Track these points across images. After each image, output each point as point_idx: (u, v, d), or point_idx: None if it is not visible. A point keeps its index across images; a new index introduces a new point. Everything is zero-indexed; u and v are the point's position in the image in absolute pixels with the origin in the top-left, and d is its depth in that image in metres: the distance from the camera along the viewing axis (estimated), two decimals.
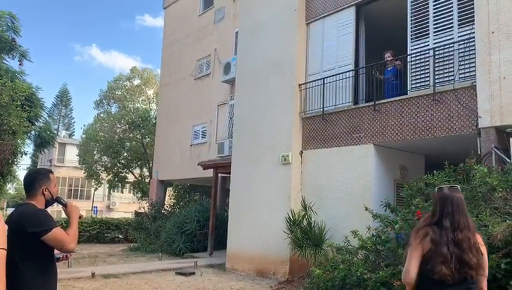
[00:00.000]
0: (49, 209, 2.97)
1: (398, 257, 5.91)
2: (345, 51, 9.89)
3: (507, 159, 6.60)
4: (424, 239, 2.56)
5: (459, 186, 2.76)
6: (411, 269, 2.57)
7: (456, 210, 2.57)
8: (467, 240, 2.50)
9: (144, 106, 29.87)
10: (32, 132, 10.80)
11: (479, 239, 2.67)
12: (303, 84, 10.49)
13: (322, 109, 9.92)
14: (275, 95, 10.79)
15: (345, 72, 9.67)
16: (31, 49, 11.90)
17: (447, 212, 2.57)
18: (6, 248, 1.85)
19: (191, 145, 17.46)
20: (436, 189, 2.79)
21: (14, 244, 2.64)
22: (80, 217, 2.95)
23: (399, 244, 6.16)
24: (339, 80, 9.74)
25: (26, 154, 10.25)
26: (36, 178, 2.91)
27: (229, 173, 12.04)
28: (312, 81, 10.34)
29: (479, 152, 7.02)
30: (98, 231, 20.74)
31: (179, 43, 19.28)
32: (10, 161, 8.85)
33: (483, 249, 2.65)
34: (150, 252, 15.03)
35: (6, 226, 1.93)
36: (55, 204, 3.03)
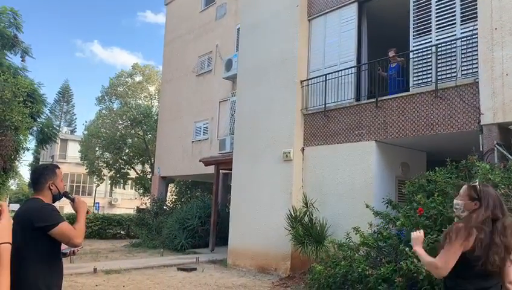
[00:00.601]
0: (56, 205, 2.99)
1: (400, 254, 5.92)
2: (347, 48, 9.87)
3: (509, 156, 6.59)
4: (469, 238, 2.61)
5: (485, 183, 2.95)
6: (450, 265, 2.62)
7: (500, 202, 2.73)
8: (509, 226, 2.65)
9: (145, 103, 29.90)
10: (34, 128, 10.83)
11: None
12: (305, 80, 10.48)
13: (324, 106, 9.91)
14: (276, 92, 10.78)
15: (347, 68, 9.65)
16: (33, 46, 11.96)
17: (495, 205, 2.69)
18: (11, 242, 1.86)
19: (193, 141, 17.47)
20: (472, 185, 2.83)
21: (22, 238, 2.65)
22: (88, 212, 2.98)
23: (400, 240, 6.18)
24: (341, 76, 9.73)
25: (28, 150, 10.28)
26: (43, 173, 2.93)
27: (231, 170, 12.05)
28: (314, 78, 10.33)
29: (481, 149, 7.01)
30: (100, 227, 20.80)
31: (180, 39, 19.26)
32: (12, 157, 8.88)
33: None
34: (152, 248, 15.08)
35: (12, 221, 1.94)
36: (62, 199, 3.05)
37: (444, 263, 2.63)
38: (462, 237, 2.60)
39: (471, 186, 2.82)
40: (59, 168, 3.08)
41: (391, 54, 9.31)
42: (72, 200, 2.99)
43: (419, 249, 2.85)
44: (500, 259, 2.59)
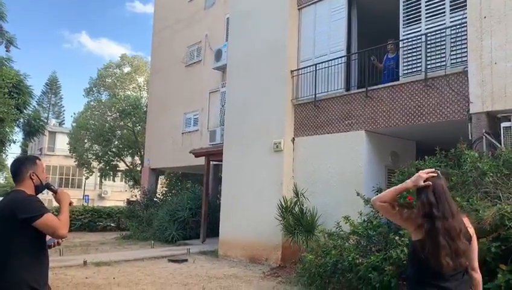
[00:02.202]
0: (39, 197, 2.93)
1: (390, 242, 5.95)
2: (337, 37, 9.83)
3: (498, 144, 6.63)
4: (411, 217, 2.50)
5: (438, 172, 2.62)
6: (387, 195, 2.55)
7: (438, 199, 2.48)
8: (453, 229, 2.43)
9: (134, 94, 29.59)
10: (21, 120, 10.65)
11: (467, 222, 2.61)
12: (295, 70, 10.43)
13: (314, 96, 9.89)
14: (266, 82, 10.72)
15: (337, 58, 9.62)
16: (18, 36, 11.70)
17: (431, 202, 2.48)
18: None
19: (183, 133, 17.38)
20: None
21: (5, 230, 2.61)
22: (70, 203, 2.93)
23: (390, 229, 6.20)
24: (331, 66, 9.70)
25: (15, 142, 10.14)
26: (23, 163, 2.89)
27: (221, 161, 12.01)
28: (304, 68, 10.29)
29: (470, 137, 7.04)
30: (89, 220, 20.63)
31: (169, 29, 19.04)
32: None
33: (472, 231, 2.61)
34: (143, 240, 15.02)
35: None
36: (45, 192, 2.99)
37: (382, 196, 2.59)
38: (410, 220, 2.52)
39: None
40: (40, 159, 3.02)
41: (390, 46, 9.24)
42: (55, 192, 2.95)
43: (404, 185, 2.62)
44: (455, 263, 2.40)
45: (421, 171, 2.63)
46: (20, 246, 2.64)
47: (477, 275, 2.61)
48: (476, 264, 2.61)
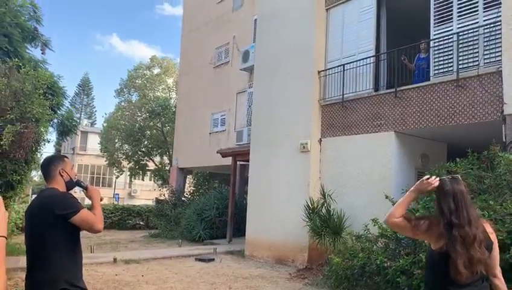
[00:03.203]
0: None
1: (419, 245, 5.84)
2: (365, 37, 9.70)
3: None
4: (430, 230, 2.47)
5: (459, 176, 2.58)
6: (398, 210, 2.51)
7: (457, 205, 2.43)
8: (467, 237, 2.38)
9: (163, 95, 30.06)
10: (55, 120, 10.95)
11: (488, 227, 2.54)
12: (322, 71, 10.36)
13: (341, 96, 9.79)
14: (293, 82, 10.69)
15: (366, 58, 9.50)
16: (52, 39, 12.04)
17: (451, 209, 2.43)
18: (6, 236, 1.88)
19: (210, 133, 17.53)
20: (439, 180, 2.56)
21: (43, 228, 2.70)
22: (101, 199, 3.00)
23: None
24: (360, 66, 9.58)
25: (49, 142, 10.39)
26: (52, 161, 2.98)
27: (248, 161, 12.05)
28: (332, 68, 10.20)
29: (503, 139, 6.83)
30: (119, 218, 21.10)
31: (197, 31, 19.25)
32: (34, 149, 9.01)
33: (493, 236, 2.53)
34: (170, 239, 15.24)
35: (7, 214, 1.95)
36: (77, 190, 3.08)
37: (393, 212, 2.54)
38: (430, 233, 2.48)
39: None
40: (67, 157, 3.12)
41: (423, 46, 9.04)
42: (85, 188, 3.02)
43: (409, 194, 2.61)
44: (469, 271, 2.35)
45: (424, 177, 2.60)
46: (58, 242, 2.71)
47: (499, 281, 2.54)
48: (496, 270, 2.54)
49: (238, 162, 14.42)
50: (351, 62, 9.74)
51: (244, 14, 16.50)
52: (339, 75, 9.96)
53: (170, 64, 31.47)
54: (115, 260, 9.72)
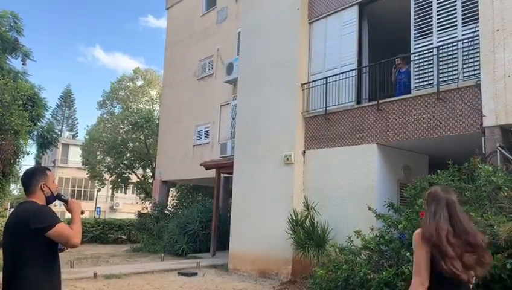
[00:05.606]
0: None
1: (402, 258, 5.85)
2: (348, 50, 9.83)
3: None
4: (429, 241, 2.52)
5: (451, 189, 2.72)
6: (423, 274, 2.50)
7: (451, 214, 2.56)
8: (462, 245, 2.47)
9: (147, 107, 29.90)
10: (35, 132, 10.79)
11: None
12: (306, 83, 10.44)
13: (324, 109, 9.87)
14: (277, 95, 10.74)
15: (348, 71, 9.61)
16: (34, 50, 11.97)
17: (443, 215, 2.56)
18: None
19: (194, 145, 17.44)
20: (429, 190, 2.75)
21: (18, 241, 2.63)
22: (82, 212, 2.94)
23: (402, 244, 6.10)
24: (342, 79, 9.68)
25: (28, 154, 10.23)
26: (34, 174, 2.91)
27: (232, 173, 12.00)
28: (315, 81, 10.29)
29: (483, 151, 6.94)
30: (101, 232, 20.74)
31: (181, 43, 19.26)
32: (12, 161, 8.83)
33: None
34: (153, 253, 15.01)
35: None
36: (56, 203, 3.01)
37: (416, 276, 2.54)
38: (422, 246, 2.54)
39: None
40: (50, 170, 3.05)
41: (398, 60, 9.22)
42: (66, 202, 2.96)
43: None
44: (462, 270, 2.43)
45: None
46: (35, 256, 2.65)
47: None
48: None
49: (222, 175, 14.35)
50: (333, 75, 9.84)
51: (228, 27, 16.58)
52: (322, 88, 10.05)
53: (154, 76, 31.39)
54: (95, 275, 9.50)
